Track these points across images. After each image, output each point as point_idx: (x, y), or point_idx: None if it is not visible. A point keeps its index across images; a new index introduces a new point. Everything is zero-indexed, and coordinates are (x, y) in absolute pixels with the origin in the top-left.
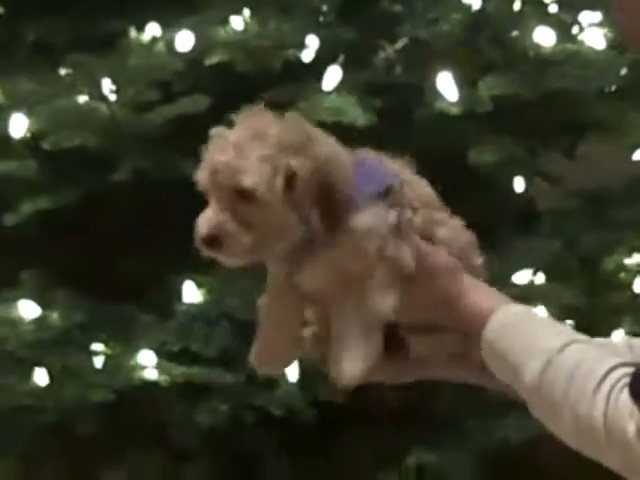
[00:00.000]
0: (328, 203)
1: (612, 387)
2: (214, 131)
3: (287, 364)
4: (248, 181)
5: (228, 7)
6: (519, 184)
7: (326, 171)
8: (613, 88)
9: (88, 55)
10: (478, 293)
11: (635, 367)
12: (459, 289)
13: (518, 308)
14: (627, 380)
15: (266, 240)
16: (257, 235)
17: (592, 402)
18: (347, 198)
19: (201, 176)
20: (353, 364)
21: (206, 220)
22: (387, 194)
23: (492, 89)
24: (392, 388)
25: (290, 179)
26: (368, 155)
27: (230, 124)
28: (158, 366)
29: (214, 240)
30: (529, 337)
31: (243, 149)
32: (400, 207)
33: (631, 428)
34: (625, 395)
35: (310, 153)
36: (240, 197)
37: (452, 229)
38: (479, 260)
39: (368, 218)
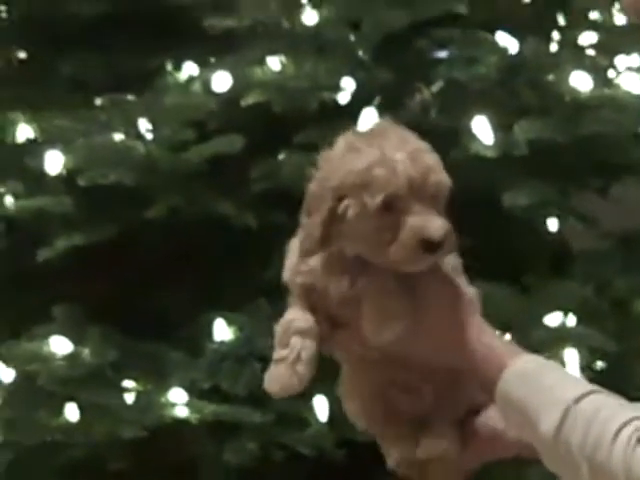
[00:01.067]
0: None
1: (630, 436)
2: (327, 154)
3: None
4: (447, 179)
5: (265, 48)
6: (552, 225)
7: None
8: None
9: (124, 93)
10: (494, 337)
11: None
12: (478, 330)
13: (534, 358)
14: None
15: None
16: None
17: (610, 451)
18: None
19: (392, 187)
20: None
21: (433, 224)
22: None
23: (527, 133)
24: None
25: None
26: None
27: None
28: (188, 404)
29: (444, 241)
30: (546, 388)
31: (419, 153)
32: None
33: None
34: None
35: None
36: (438, 196)
37: (470, 291)
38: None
39: None
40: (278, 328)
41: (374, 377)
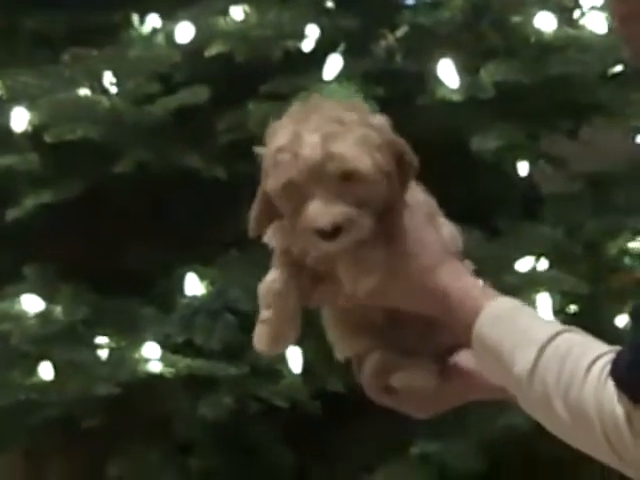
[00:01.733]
0: (404, 171)
1: (601, 370)
2: (275, 126)
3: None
4: (361, 165)
5: None
6: (523, 168)
7: (397, 140)
8: (615, 71)
9: (88, 48)
10: (468, 282)
11: (617, 353)
12: (452, 276)
13: (508, 301)
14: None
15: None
16: (372, 213)
17: (582, 386)
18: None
19: (293, 172)
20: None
21: (324, 212)
22: None
23: (494, 75)
24: None
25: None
26: None
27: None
28: (162, 359)
29: (339, 229)
30: (521, 329)
31: (334, 137)
32: None
33: (619, 412)
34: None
35: (377, 126)
36: (349, 181)
37: (449, 232)
38: (470, 267)
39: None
40: (260, 289)
41: (356, 319)
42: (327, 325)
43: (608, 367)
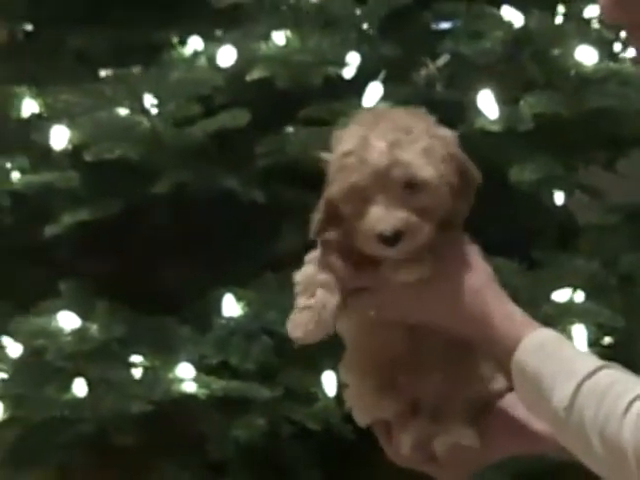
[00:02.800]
0: (466, 186)
1: None
2: (342, 132)
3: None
4: (426, 174)
5: (270, 22)
6: (559, 199)
7: (461, 155)
8: None
9: (130, 67)
10: (511, 308)
11: None
12: (497, 301)
13: (550, 332)
14: None
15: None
16: (433, 223)
17: (620, 424)
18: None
19: (359, 176)
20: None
21: (386, 217)
22: None
23: (533, 107)
24: None
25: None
26: None
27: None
28: (196, 379)
29: (400, 235)
30: (562, 360)
31: (401, 144)
32: None
33: None
34: None
35: (443, 138)
36: (412, 189)
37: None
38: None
39: None
40: (299, 278)
41: (380, 350)
42: (346, 382)
43: None
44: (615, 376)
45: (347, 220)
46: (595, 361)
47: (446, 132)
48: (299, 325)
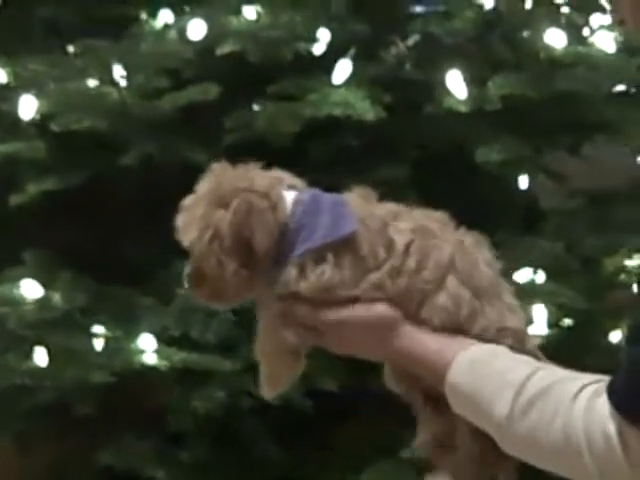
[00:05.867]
0: (246, 255)
1: (589, 398)
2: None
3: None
4: (186, 239)
5: None
6: (524, 182)
7: (244, 224)
8: (619, 90)
9: (99, 39)
10: (423, 339)
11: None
12: (404, 340)
13: (478, 348)
14: (600, 388)
15: (219, 288)
16: (210, 285)
17: (570, 411)
18: (265, 252)
19: None
20: None
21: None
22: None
23: (501, 88)
24: None
25: (217, 232)
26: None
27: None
28: (158, 351)
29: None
30: (492, 376)
31: (192, 208)
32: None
33: (611, 428)
34: (602, 399)
35: (232, 206)
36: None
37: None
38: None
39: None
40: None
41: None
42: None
43: (595, 393)
44: (552, 376)
45: None
46: (527, 367)
47: (243, 202)
48: (269, 389)
